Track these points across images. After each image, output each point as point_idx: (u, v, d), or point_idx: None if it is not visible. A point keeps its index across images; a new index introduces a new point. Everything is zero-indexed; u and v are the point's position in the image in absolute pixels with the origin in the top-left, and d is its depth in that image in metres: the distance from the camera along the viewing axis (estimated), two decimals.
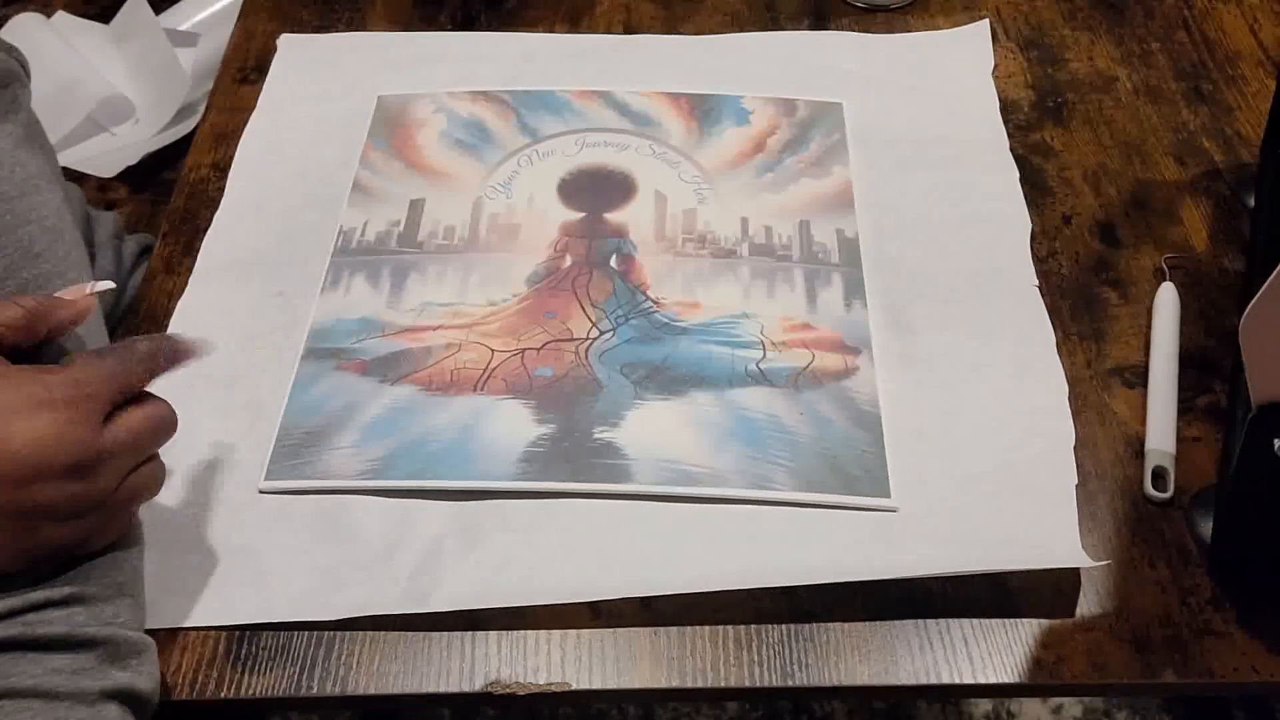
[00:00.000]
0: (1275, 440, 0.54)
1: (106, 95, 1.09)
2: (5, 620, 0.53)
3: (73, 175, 0.96)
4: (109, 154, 1.07)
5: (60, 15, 1.15)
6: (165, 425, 0.57)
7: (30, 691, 0.52)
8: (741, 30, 0.95)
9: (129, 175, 1.04)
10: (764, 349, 0.72)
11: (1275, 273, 0.49)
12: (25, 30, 1.10)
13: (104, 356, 0.55)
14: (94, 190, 1.05)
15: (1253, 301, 0.51)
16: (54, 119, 1.06)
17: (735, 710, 1.39)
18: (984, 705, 1.37)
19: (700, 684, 0.59)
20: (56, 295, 0.57)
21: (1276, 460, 0.54)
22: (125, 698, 0.55)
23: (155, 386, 0.70)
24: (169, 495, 0.66)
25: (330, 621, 0.61)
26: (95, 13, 1.17)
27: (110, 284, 0.59)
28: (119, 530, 0.56)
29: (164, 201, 1.02)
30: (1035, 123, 0.87)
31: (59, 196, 0.63)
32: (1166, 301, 0.74)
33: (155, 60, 1.11)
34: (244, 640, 0.61)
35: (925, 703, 1.37)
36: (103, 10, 1.16)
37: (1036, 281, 0.76)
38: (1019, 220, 0.79)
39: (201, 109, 1.04)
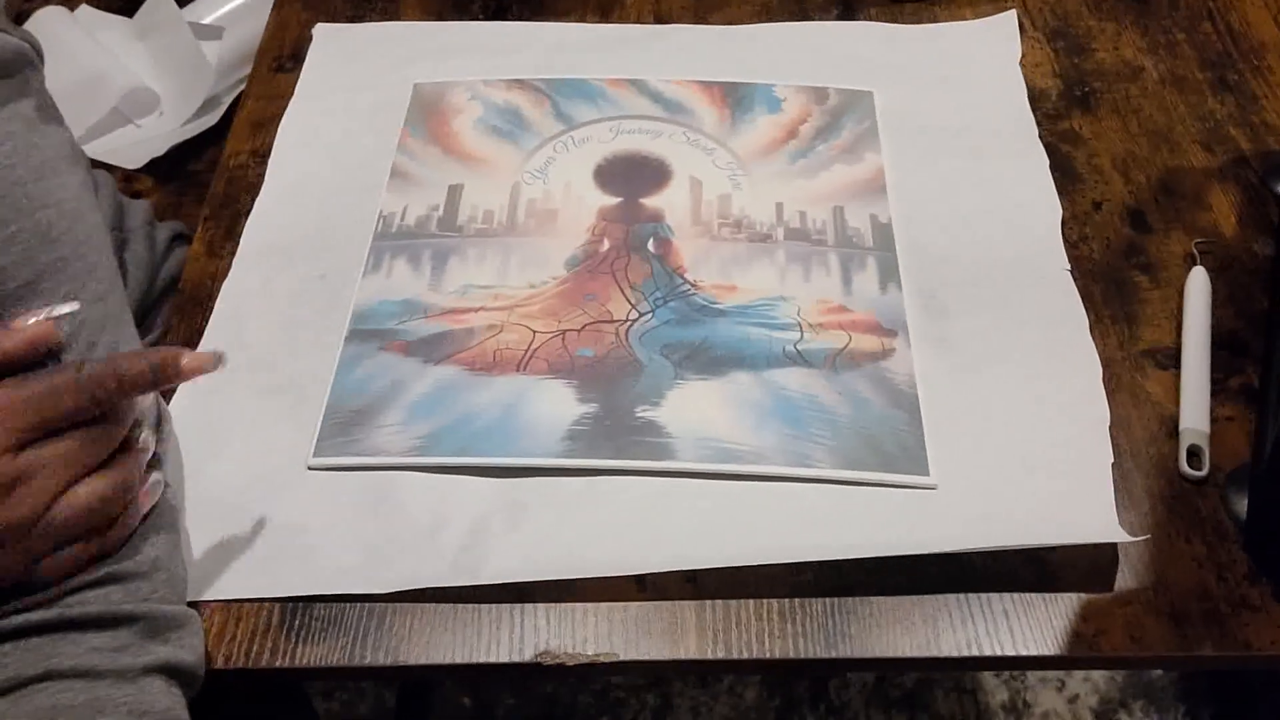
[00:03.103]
0: None
1: (131, 88, 1.10)
2: (42, 607, 0.54)
3: (98, 167, 0.97)
4: (134, 146, 1.08)
5: (84, 9, 1.17)
6: (100, 447, 0.54)
7: (71, 672, 0.52)
8: (771, 20, 0.96)
9: (154, 167, 1.05)
10: (801, 331, 0.73)
11: None
12: (49, 24, 1.11)
13: (29, 381, 0.53)
14: (120, 182, 1.06)
15: None
16: (79, 112, 1.07)
17: (753, 699, 1.40)
18: (1001, 695, 1.39)
19: (746, 655, 0.60)
20: (5, 322, 0.55)
21: None
22: (169, 671, 0.55)
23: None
24: (217, 473, 0.67)
25: (381, 594, 0.62)
26: (119, 6, 1.17)
27: (74, 306, 0.57)
28: (75, 562, 0.55)
29: (189, 193, 1.03)
30: (1063, 111, 0.88)
31: (79, 178, 0.63)
32: (1198, 285, 0.75)
33: (179, 53, 1.11)
34: (297, 611, 0.62)
35: (943, 691, 1.38)
36: (127, 4, 1.17)
37: (1068, 266, 0.77)
38: (1049, 206, 0.81)
39: (226, 101, 1.06)
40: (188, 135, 1.07)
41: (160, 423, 0.61)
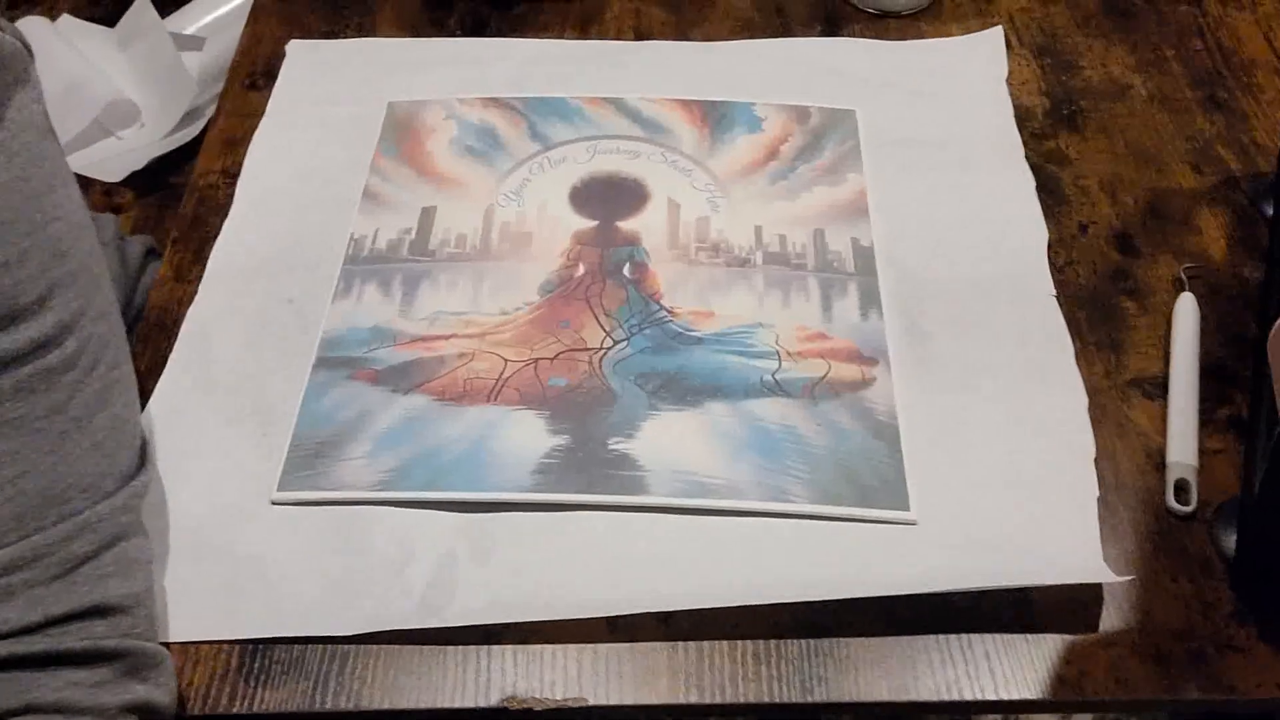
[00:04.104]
0: None
1: (112, 99, 1.08)
2: (28, 635, 0.52)
3: (79, 180, 0.95)
4: (115, 159, 1.07)
5: (65, 19, 1.15)
6: None
7: (51, 707, 0.51)
8: (753, 36, 0.94)
9: (134, 180, 1.04)
10: (779, 359, 0.71)
11: None
12: (30, 33, 1.08)
13: None
14: (100, 195, 1.05)
15: None
16: (59, 123, 1.05)
17: None
18: (993, 715, 1.37)
19: (719, 699, 0.59)
20: None
21: None
22: (144, 712, 0.54)
23: (161, 391, 0.70)
24: (179, 504, 0.66)
25: (344, 635, 0.60)
26: (100, 16, 1.16)
27: None
28: None
29: (170, 206, 1.01)
30: (1050, 130, 0.86)
31: (78, 189, 0.61)
32: (1186, 312, 0.73)
33: (161, 64, 1.10)
34: (257, 654, 0.60)
35: (935, 717, 1.36)
36: (108, 14, 1.15)
37: (1054, 290, 0.75)
38: (1035, 229, 0.79)
39: (208, 113, 1.04)
40: (168, 148, 1.05)
41: (144, 464, 0.60)
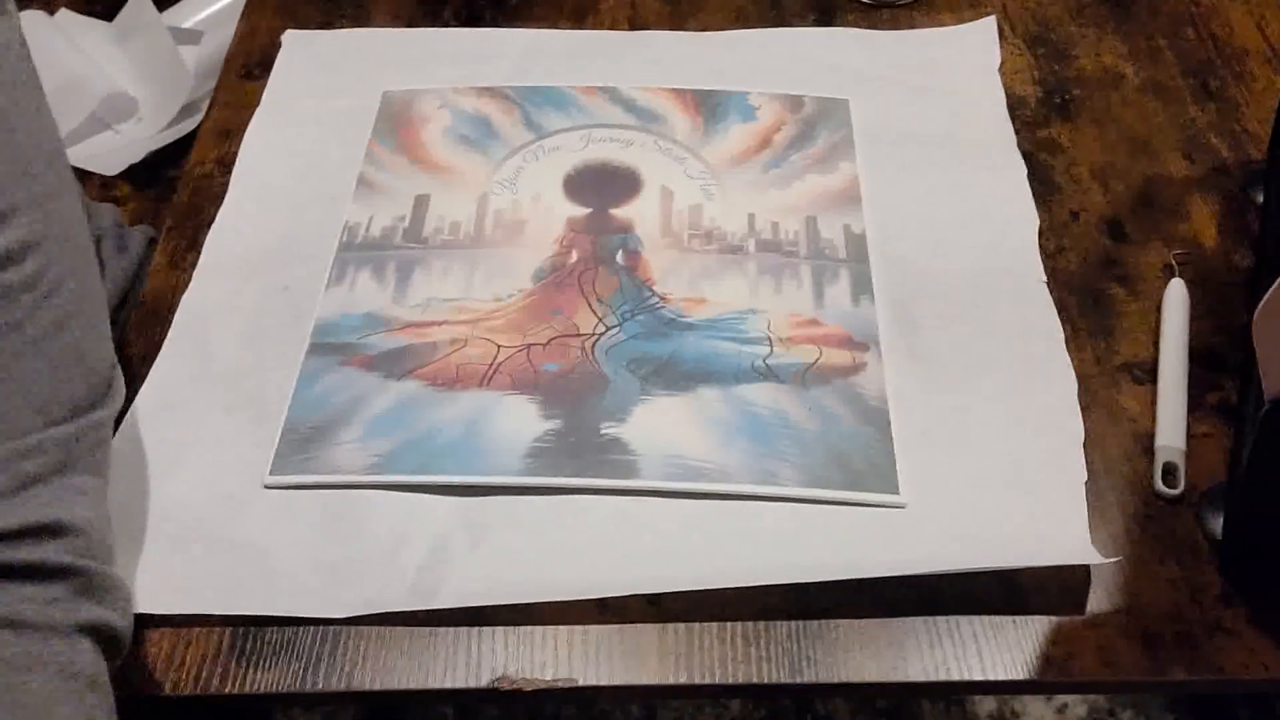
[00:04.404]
0: None
1: (110, 93, 1.09)
2: None
3: (77, 173, 0.96)
4: (113, 152, 1.07)
5: (63, 13, 1.15)
6: None
7: (3, 621, 0.50)
8: (747, 26, 0.94)
9: (132, 173, 1.04)
10: (771, 345, 0.71)
11: None
12: (28, 28, 1.08)
13: None
14: (97, 188, 1.05)
15: (1265, 297, 0.50)
16: (58, 117, 1.06)
17: (738, 710, 1.38)
18: (988, 704, 1.37)
19: (708, 680, 0.59)
20: None
21: None
22: (99, 633, 0.53)
23: (157, 374, 0.70)
24: (175, 490, 0.66)
25: (336, 618, 0.60)
26: (98, 10, 1.16)
27: None
28: None
29: (167, 199, 1.01)
30: (1042, 119, 0.87)
31: (53, 122, 0.59)
32: (1176, 298, 0.73)
33: (159, 57, 1.10)
34: (249, 635, 0.60)
35: (929, 702, 1.37)
36: (106, 8, 1.15)
37: (1044, 277, 0.75)
38: (1026, 216, 0.79)
39: (205, 106, 1.04)
40: (166, 141, 1.05)
41: (105, 403, 0.59)
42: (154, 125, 1.09)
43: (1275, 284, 0.50)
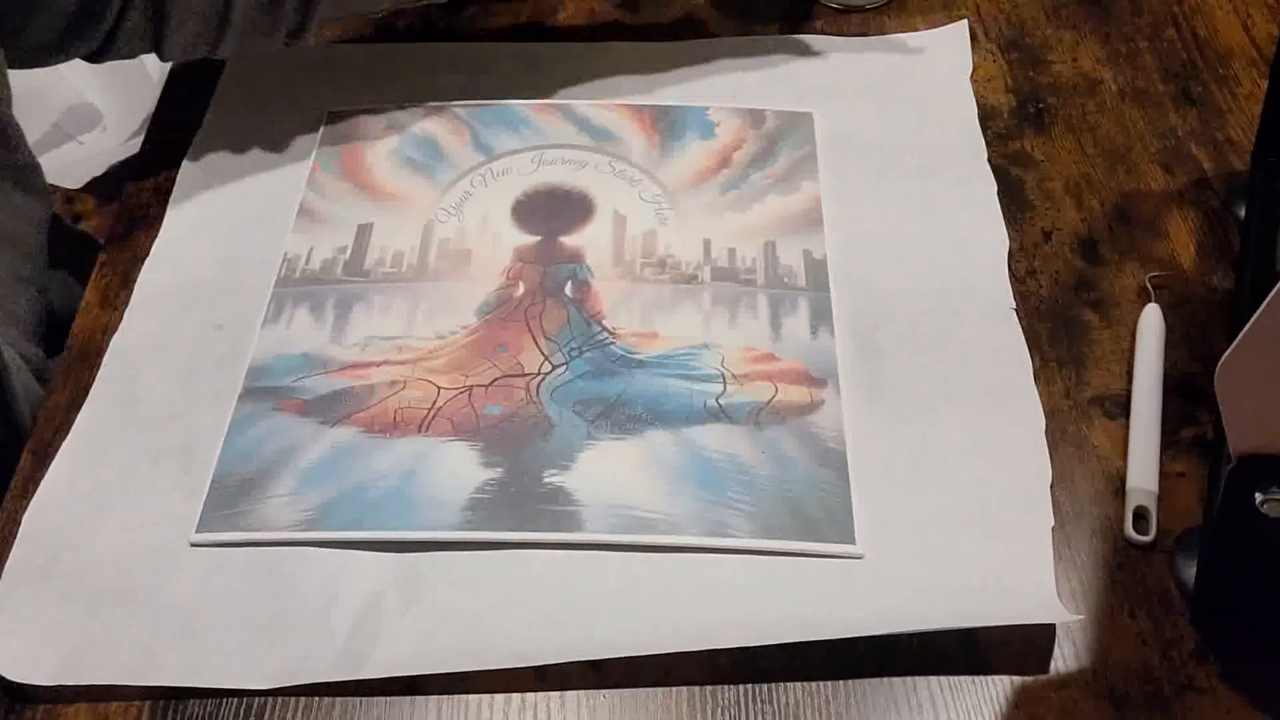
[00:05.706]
0: (1257, 494, 0.50)
1: (73, 103, 1.06)
2: None
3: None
4: (75, 165, 1.05)
5: None
6: None
7: None
8: (711, 34, 0.91)
9: (96, 186, 1.01)
10: (724, 382, 0.68)
11: (1250, 322, 0.45)
12: None
13: None
14: (61, 203, 1.02)
15: (1228, 350, 0.47)
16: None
17: None
18: None
19: None
20: None
21: (1258, 515, 0.50)
22: None
23: (84, 420, 0.67)
24: (98, 546, 0.63)
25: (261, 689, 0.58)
26: None
27: None
28: None
29: None
30: (1015, 131, 0.83)
31: None
32: (1151, 325, 0.70)
33: (123, 66, 1.07)
34: (169, 709, 0.57)
35: None
36: None
37: (1014, 304, 0.72)
38: (996, 237, 0.76)
39: None
40: (129, 153, 1.03)
41: None
42: (118, 136, 1.07)
43: (1238, 338, 0.47)
